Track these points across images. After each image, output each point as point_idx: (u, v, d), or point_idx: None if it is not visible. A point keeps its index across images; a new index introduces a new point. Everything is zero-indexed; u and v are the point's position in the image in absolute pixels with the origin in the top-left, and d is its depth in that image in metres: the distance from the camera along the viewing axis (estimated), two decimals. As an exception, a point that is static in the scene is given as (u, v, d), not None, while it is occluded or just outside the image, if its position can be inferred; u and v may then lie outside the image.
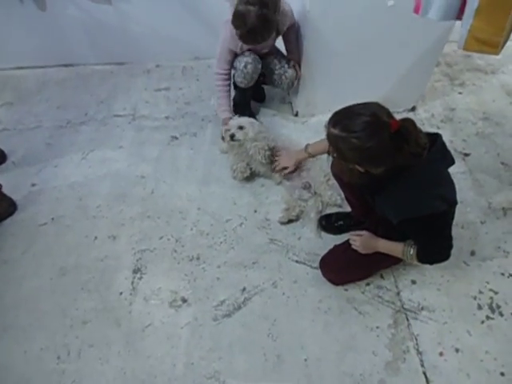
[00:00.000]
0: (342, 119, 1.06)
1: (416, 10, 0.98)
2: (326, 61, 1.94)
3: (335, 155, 1.15)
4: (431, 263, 1.28)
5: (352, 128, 1.02)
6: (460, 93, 2.38)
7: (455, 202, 1.18)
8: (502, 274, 1.58)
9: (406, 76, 2.07)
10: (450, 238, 1.22)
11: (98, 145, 2.07)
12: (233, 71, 1.89)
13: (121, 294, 1.54)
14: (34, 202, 1.83)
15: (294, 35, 1.90)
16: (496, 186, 1.88)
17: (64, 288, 1.56)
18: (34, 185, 1.90)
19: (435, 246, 1.21)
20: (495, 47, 0.80)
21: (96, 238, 1.71)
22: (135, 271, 1.60)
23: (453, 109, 2.27)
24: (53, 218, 1.77)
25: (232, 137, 1.76)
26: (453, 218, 1.22)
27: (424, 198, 1.12)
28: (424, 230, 1.17)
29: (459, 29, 0.89)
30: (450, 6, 0.86)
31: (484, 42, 0.81)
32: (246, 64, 1.82)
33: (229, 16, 1.63)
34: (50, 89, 2.40)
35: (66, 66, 2.53)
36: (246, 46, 1.79)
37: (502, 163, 1.98)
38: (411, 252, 1.25)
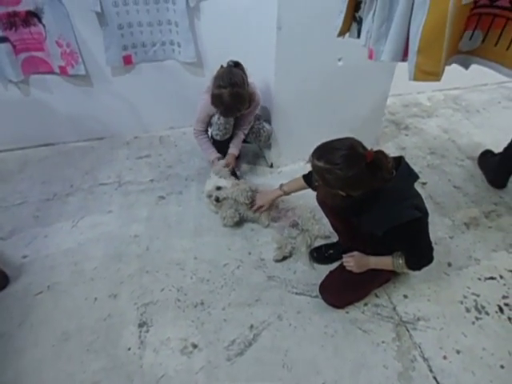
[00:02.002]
0: (324, 153, 1.27)
1: (370, 57, 1.26)
2: (292, 117, 2.24)
3: (321, 183, 1.35)
4: (420, 267, 1.44)
5: (334, 161, 1.23)
6: (406, 135, 2.76)
7: (427, 211, 1.40)
8: (479, 279, 1.77)
9: (361, 124, 2.41)
10: (430, 242, 1.41)
11: (88, 212, 2.13)
12: (209, 129, 2.16)
13: (129, 349, 1.51)
14: (27, 273, 1.80)
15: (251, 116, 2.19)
16: (454, 205, 2.15)
17: (68, 353, 1.51)
18: (25, 256, 1.88)
19: (420, 250, 1.39)
20: (437, 75, 1.07)
21: (96, 299, 1.70)
22: (141, 325, 1.59)
23: (403, 148, 2.62)
24: (48, 286, 1.75)
25: (217, 200, 1.98)
26: (428, 226, 1.42)
27: (401, 208, 1.31)
28: (407, 236, 1.35)
29: (406, 68, 1.17)
30: (397, 51, 1.14)
31: (428, 73, 1.07)
32: (219, 117, 2.07)
33: (206, 87, 1.99)
34: (33, 167, 2.47)
35: (46, 145, 2.63)
36: None
37: (454, 186, 2.28)
38: (400, 261, 1.42)
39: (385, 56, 1.17)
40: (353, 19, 1.36)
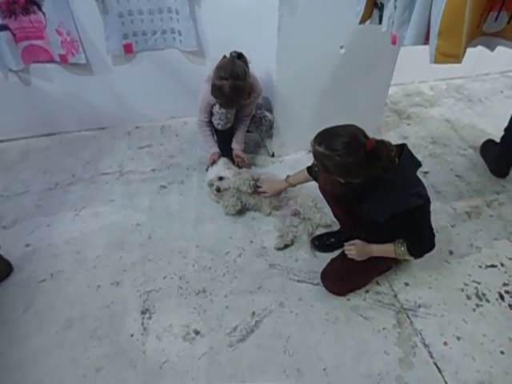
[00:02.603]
0: (326, 139, 1.27)
1: (393, 42, 1.26)
2: (294, 106, 2.22)
3: (320, 169, 1.35)
4: (422, 254, 1.44)
5: (334, 147, 1.23)
6: (408, 124, 2.75)
7: (428, 199, 1.40)
8: (480, 267, 1.77)
9: (363, 113, 2.39)
10: (432, 228, 1.41)
11: (90, 201, 2.13)
12: (212, 118, 2.15)
13: (132, 335, 1.53)
14: (31, 261, 1.81)
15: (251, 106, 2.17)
16: (456, 194, 2.15)
17: (72, 339, 1.52)
18: (28, 245, 1.89)
19: (422, 236, 1.39)
20: (457, 58, 1.08)
21: (99, 286, 1.71)
22: (143, 312, 1.61)
23: (405, 137, 2.61)
24: (52, 274, 1.76)
25: (218, 190, 1.98)
26: (430, 214, 1.42)
27: (403, 195, 1.31)
28: (409, 223, 1.35)
29: (409, 57, 1.18)
30: (419, 35, 1.15)
31: (448, 55, 1.08)
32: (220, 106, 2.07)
33: (207, 77, 1.98)
34: (34, 156, 2.47)
35: (47, 135, 2.63)
36: None
37: (456, 175, 2.28)
38: (402, 248, 1.42)
39: (408, 41, 1.18)
40: (374, 5, 1.35)
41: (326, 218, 1.92)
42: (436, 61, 1.11)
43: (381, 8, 1.33)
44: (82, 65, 2.35)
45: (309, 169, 1.72)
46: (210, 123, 2.17)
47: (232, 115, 2.12)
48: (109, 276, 1.75)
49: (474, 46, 1.23)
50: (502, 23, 1.17)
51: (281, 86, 2.12)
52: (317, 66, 2.07)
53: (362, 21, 1.42)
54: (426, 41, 1.15)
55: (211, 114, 2.12)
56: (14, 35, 2.15)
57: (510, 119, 2.11)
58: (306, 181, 1.79)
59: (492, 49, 1.27)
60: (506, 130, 2.15)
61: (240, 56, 1.93)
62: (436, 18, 1.07)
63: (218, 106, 2.06)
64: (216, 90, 1.86)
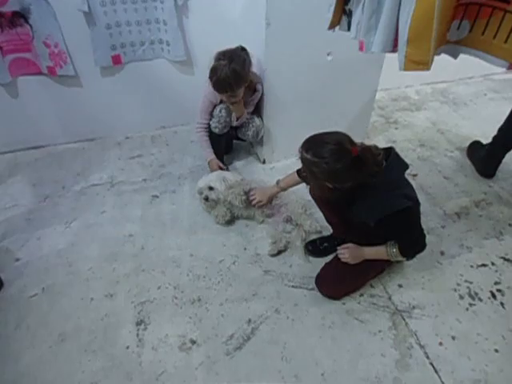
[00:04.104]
0: (313, 146, 1.29)
1: (361, 48, 1.28)
2: (283, 113, 2.24)
3: (308, 175, 1.37)
4: (414, 254, 1.46)
5: (321, 154, 1.26)
6: (396, 128, 2.80)
7: (417, 200, 1.42)
8: (471, 266, 1.80)
9: (351, 119, 2.44)
10: (422, 229, 1.44)
11: (81, 213, 2.11)
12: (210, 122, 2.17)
13: (127, 347, 1.51)
14: (21, 276, 1.78)
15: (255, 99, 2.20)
16: (445, 196, 2.19)
17: (66, 354, 1.50)
18: (18, 259, 1.86)
19: (412, 237, 1.42)
20: (426, 65, 1.10)
21: (92, 299, 1.69)
22: (138, 323, 1.59)
23: (393, 141, 2.65)
24: (43, 288, 1.73)
25: (206, 199, 1.98)
26: (419, 214, 1.45)
27: (391, 197, 1.34)
28: (399, 224, 1.37)
29: (394, 62, 1.19)
30: (387, 42, 1.16)
31: (418, 63, 1.09)
32: (221, 109, 2.10)
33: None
34: (23, 169, 2.44)
35: (36, 147, 2.61)
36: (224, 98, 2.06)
37: (445, 177, 2.32)
38: (394, 250, 1.44)
39: (375, 47, 1.19)
40: (343, 12, 1.37)
41: (316, 225, 1.93)
42: (405, 68, 1.13)
43: (349, 15, 1.35)
44: (71, 76, 2.35)
45: (298, 171, 1.73)
46: (208, 129, 2.19)
47: (230, 118, 2.15)
48: (102, 288, 1.73)
49: (439, 53, 1.26)
50: (464, 32, 1.20)
51: (269, 93, 2.14)
52: (305, 73, 2.10)
53: (332, 26, 1.44)
54: (395, 48, 1.17)
55: (211, 116, 2.15)
56: (0, 48, 2.14)
57: (505, 119, 2.16)
58: (297, 183, 1.81)
59: (455, 57, 1.30)
60: (500, 130, 2.20)
61: (244, 49, 1.97)
62: (404, 26, 1.08)
63: (219, 108, 2.09)
64: (212, 70, 1.88)
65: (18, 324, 1.60)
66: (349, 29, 1.37)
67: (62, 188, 2.29)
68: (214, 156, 2.24)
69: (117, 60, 2.38)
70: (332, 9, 1.35)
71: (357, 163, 1.25)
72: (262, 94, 2.16)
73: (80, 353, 1.50)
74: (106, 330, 1.57)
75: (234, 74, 1.85)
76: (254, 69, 2.03)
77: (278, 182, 1.90)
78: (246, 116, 2.20)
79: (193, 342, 1.52)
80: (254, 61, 2.00)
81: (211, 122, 2.15)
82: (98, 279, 1.77)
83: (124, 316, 1.62)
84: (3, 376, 1.43)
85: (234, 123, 2.20)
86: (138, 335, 1.55)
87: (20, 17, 2.09)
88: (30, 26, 2.13)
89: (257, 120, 2.25)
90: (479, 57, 1.21)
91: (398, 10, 1.09)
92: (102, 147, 2.64)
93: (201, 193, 2.02)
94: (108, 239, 1.96)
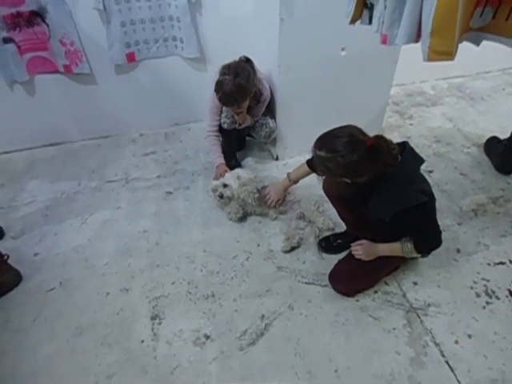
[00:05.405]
0: (326, 143, 1.28)
1: (384, 42, 1.27)
2: (296, 109, 2.23)
3: (325, 172, 1.35)
4: (429, 251, 1.44)
5: (335, 149, 1.24)
6: (411, 124, 2.75)
7: (433, 195, 1.39)
8: (489, 264, 1.76)
9: (365, 115, 2.41)
10: (438, 225, 1.41)
11: (96, 209, 2.15)
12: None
13: (142, 341, 1.53)
14: (39, 271, 1.83)
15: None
16: (461, 192, 2.15)
17: (82, 347, 1.53)
18: (36, 254, 1.91)
19: (428, 233, 1.39)
20: (450, 55, 1.08)
21: (108, 293, 1.72)
22: (153, 318, 1.61)
23: (408, 137, 2.61)
24: (61, 282, 1.77)
25: (221, 196, 1.98)
26: (435, 210, 1.42)
27: (406, 192, 1.31)
28: (414, 220, 1.35)
29: (410, 58, 1.18)
30: (410, 33, 1.15)
31: (442, 53, 1.08)
32: None
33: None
34: (40, 167, 2.50)
35: (52, 145, 2.66)
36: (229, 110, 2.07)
37: (461, 174, 2.28)
38: (409, 246, 1.42)
39: (399, 40, 1.18)
40: (364, 5, 1.36)
41: (328, 222, 1.92)
42: (429, 59, 1.11)
43: (370, 8, 1.34)
44: (86, 74, 2.38)
45: (308, 162, 1.73)
46: (218, 132, 2.19)
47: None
48: (117, 283, 1.76)
49: (461, 41, 1.24)
50: (487, 18, 1.18)
51: (283, 90, 2.13)
52: (318, 68, 2.09)
53: (353, 21, 1.43)
54: (418, 38, 1.16)
55: (220, 117, 2.15)
56: (18, 47, 2.18)
57: None
58: (307, 174, 1.81)
59: (478, 44, 1.28)
60: None
61: (248, 61, 1.98)
62: (428, 17, 1.07)
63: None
64: (217, 85, 1.91)
65: (36, 317, 1.64)
66: (370, 22, 1.35)
67: (77, 184, 2.33)
68: (223, 161, 2.21)
69: (131, 58, 2.40)
70: (353, 3, 1.34)
71: (372, 153, 1.22)
72: (272, 94, 2.16)
73: (96, 346, 1.53)
74: (122, 324, 1.60)
75: (239, 89, 1.87)
76: (260, 70, 2.03)
77: (288, 175, 1.90)
78: (249, 122, 2.19)
79: (207, 336, 1.54)
80: (257, 65, 2.02)
81: (221, 118, 2.15)
82: (114, 274, 1.80)
83: (139, 310, 1.64)
84: (21, 368, 1.47)
85: (237, 126, 2.20)
86: (152, 329, 1.57)
87: (37, 16, 2.13)
88: (47, 24, 2.17)
89: (270, 122, 2.24)
90: (502, 42, 1.18)
91: (422, 1, 1.07)
92: (116, 144, 2.68)
93: (215, 190, 2.03)
94: (123, 235, 1.99)
